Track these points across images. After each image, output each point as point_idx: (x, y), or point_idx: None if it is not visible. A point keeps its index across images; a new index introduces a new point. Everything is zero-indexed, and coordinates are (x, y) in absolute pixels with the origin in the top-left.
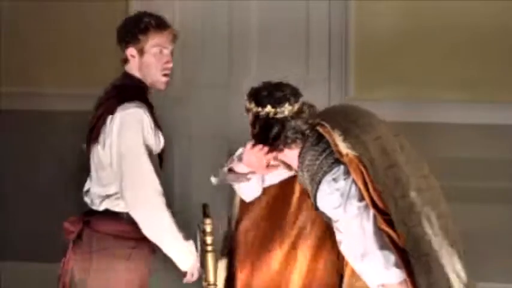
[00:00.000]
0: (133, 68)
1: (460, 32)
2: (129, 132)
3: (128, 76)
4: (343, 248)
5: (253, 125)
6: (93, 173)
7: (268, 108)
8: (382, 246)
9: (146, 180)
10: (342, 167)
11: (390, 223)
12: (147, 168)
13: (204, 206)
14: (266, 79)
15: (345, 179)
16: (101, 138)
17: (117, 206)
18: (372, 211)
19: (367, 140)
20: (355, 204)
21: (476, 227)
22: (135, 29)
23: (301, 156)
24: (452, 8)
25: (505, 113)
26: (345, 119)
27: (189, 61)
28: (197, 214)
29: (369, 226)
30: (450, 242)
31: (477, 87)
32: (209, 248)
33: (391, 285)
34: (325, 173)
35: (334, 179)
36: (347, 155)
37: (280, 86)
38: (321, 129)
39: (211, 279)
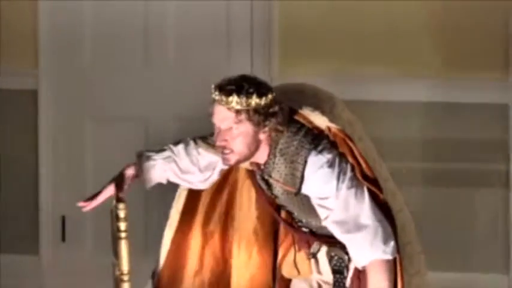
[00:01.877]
0: None
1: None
2: None
3: None
4: (332, 221)
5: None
6: None
7: (267, 97)
8: (381, 219)
9: None
10: (324, 140)
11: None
12: None
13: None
14: (184, 67)
15: (331, 152)
16: None
17: None
18: (365, 185)
19: (339, 112)
20: (348, 174)
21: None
22: None
23: (271, 142)
24: None
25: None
26: (304, 96)
27: (104, 52)
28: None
29: (365, 197)
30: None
31: (399, 63)
32: (122, 234)
33: (380, 262)
34: (310, 150)
35: (321, 152)
36: (329, 129)
37: (249, 76)
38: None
39: (124, 268)
